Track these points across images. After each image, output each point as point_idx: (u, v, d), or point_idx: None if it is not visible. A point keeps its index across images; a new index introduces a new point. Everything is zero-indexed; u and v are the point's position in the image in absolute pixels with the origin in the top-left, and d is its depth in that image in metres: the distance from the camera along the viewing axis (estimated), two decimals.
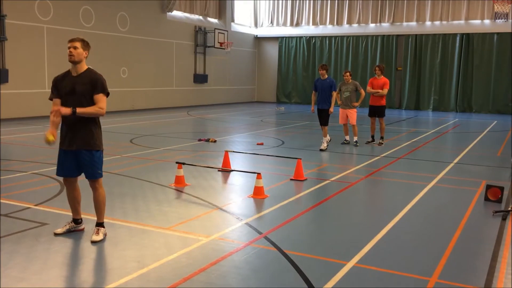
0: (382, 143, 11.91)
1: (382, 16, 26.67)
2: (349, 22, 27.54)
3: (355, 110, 11.69)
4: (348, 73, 11.67)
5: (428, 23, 25.71)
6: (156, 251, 4.59)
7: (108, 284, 3.83)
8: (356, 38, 27.23)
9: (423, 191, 7.27)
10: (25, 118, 16.20)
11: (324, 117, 11.02)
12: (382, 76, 12.02)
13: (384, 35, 26.55)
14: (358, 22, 27.27)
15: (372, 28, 26.96)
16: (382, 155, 10.51)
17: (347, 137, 11.97)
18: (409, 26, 26.10)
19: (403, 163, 9.78)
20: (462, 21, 24.81)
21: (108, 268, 4.21)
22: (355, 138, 11.65)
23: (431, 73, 25.62)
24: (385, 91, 11.89)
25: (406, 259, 4.58)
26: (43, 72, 17.03)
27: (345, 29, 27.61)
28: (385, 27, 26.64)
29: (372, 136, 12.28)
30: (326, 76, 10.99)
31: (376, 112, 12.05)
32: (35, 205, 6.00)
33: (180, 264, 4.29)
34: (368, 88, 12.06)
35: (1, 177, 7.68)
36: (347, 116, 11.75)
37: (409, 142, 12.87)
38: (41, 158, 9.19)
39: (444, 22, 25.32)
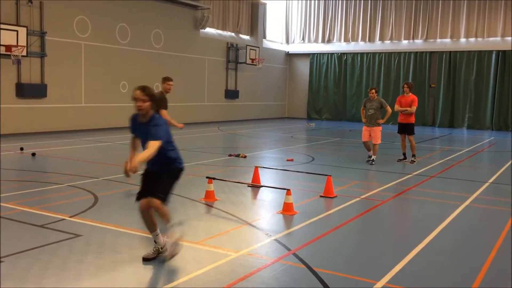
0: (414, 161, 11.72)
1: (415, 33, 26.43)
2: (382, 38, 27.40)
3: (379, 128, 11.45)
4: (373, 90, 11.40)
5: (462, 39, 25.32)
6: (184, 265, 4.65)
7: None
8: (389, 54, 27.04)
9: (457, 211, 7.11)
10: (62, 132, 16.69)
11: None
12: (411, 94, 11.80)
13: (417, 52, 26.27)
14: (391, 39, 27.09)
15: (405, 44, 26.74)
16: (414, 173, 10.35)
17: (371, 152, 11.61)
18: (443, 43, 25.75)
19: (436, 182, 9.60)
20: (498, 38, 24.33)
21: (139, 281, 4.28)
22: (373, 157, 11.38)
23: (465, 90, 25.15)
24: (414, 108, 11.69)
25: (437, 280, 4.49)
26: (80, 88, 17.55)
27: (377, 45, 27.47)
28: (418, 44, 26.37)
29: (404, 154, 12.10)
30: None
31: (405, 129, 11.88)
32: (70, 217, 6.16)
33: (209, 279, 4.32)
34: (396, 106, 11.90)
35: (39, 189, 7.93)
36: (369, 134, 11.49)
37: (443, 160, 12.63)
38: (76, 171, 9.44)
39: (479, 39, 24.88)
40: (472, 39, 25.09)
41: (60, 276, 4.28)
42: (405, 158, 12.02)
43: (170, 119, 8.84)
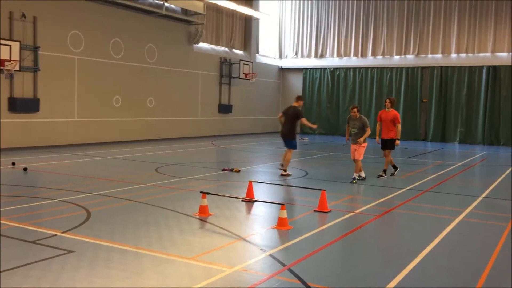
0: (383, 176, 11.65)
1: (407, 48, 26.70)
2: (374, 54, 27.65)
3: (364, 145, 11.11)
4: (355, 109, 11.12)
5: (453, 55, 25.61)
6: (179, 281, 4.60)
7: None
8: (381, 70, 27.27)
9: (450, 226, 7.11)
10: (54, 146, 16.59)
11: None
12: (392, 109, 11.79)
13: (409, 67, 26.52)
14: (383, 54, 27.35)
15: (396, 60, 26.99)
16: (407, 188, 10.37)
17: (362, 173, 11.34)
18: (435, 58, 26.03)
19: (429, 196, 9.62)
20: (489, 54, 24.63)
21: None
22: (355, 174, 11.00)
23: (457, 105, 25.37)
24: (399, 126, 11.70)
25: None
26: (72, 102, 17.50)
27: (369, 60, 27.71)
28: (410, 59, 26.63)
29: (384, 170, 11.95)
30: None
31: (386, 145, 11.83)
32: (62, 232, 6.09)
33: None
34: (378, 125, 12.04)
35: (30, 204, 7.85)
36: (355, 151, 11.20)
37: (435, 175, 12.67)
38: (68, 186, 9.36)
39: (470, 55, 25.18)
40: (463, 55, 25.38)
41: None
42: (394, 172, 12.03)
43: (307, 123, 12.65)
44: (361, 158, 11.12)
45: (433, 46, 26.01)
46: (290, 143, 12.01)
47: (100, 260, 5.11)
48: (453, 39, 25.44)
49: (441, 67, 25.70)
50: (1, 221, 6.53)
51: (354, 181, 10.83)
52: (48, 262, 4.98)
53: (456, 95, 25.34)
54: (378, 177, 11.59)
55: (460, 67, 25.25)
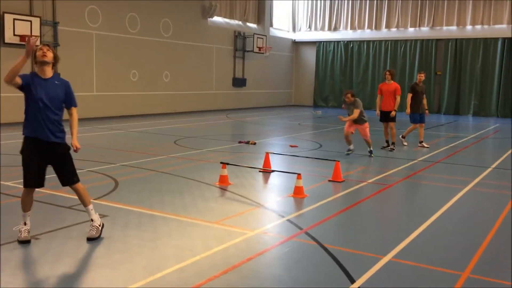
0: (393, 149, 11.78)
1: (421, 20, 26.54)
2: (388, 26, 27.52)
3: (365, 124, 10.79)
4: (349, 94, 10.62)
5: (468, 27, 25.42)
6: (206, 242, 5.03)
7: (165, 269, 4.28)
8: (395, 42, 27.19)
9: (460, 194, 7.46)
10: None
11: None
12: (393, 82, 11.89)
13: (423, 40, 26.41)
14: (397, 27, 27.22)
15: (411, 32, 26.86)
16: (420, 159, 10.68)
17: (351, 146, 11.07)
18: (449, 30, 25.86)
19: (441, 167, 9.93)
20: (504, 25, 24.41)
21: (164, 255, 4.66)
22: (370, 149, 10.91)
23: (471, 77, 25.31)
24: (398, 98, 11.79)
25: (440, 255, 4.86)
26: (91, 76, 17.92)
27: (383, 33, 27.61)
28: (425, 31, 26.49)
29: (387, 141, 12.12)
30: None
31: (387, 117, 11.87)
32: (94, 199, 6.55)
33: (229, 254, 4.71)
34: (378, 99, 12.19)
35: None
36: (352, 128, 10.96)
37: (448, 146, 12.94)
38: (94, 157, 9.85)
39: (486, 26, 24.98)
40: (478, 27, 25.18)
41: (93, 250, 4.68)
42: (388, 145, 12.01)
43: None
44: (369, 136, 10.89)
45: (448, 18, 25.82)
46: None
47: (132, 223, 5.57)
48: (468, 10, 25.22)
49: (456, 39, 25.56)
50: (39, 190, 7.01)
51: (372, 155, 10.79)
52: (85, 225, 5.44)
53: (471, 67, 25.27)
54: (390, 150, 11.81)
55: (475, 39, 25.10)
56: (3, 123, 15.12)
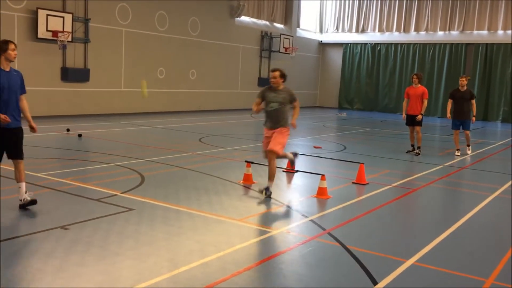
0: (419, 153, 11.61)
1: (451, 24, 26.15)
2: (417, 29, 27.20)
3: (286, 131, 7.46)
4: (277, 73, 7.40)
5: (500, 32, 24.94)
6: (230, 238, 5.11)
7: (190, 263, 4.37)
8: (423, 46, 26.86)
9: (486, 201, 7.36)
10: (103, 115, 17.43)
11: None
12: (420, 85, 11.63)
13: (453, 43, 26.02)
14: (426, 30, 26.88)
15: (440, 36, 26.50)
16: (445, 164, 10.57)
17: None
18: (480, 35, 25.42)
19: (467, 173, 9.81)
20: None
21: (189, 249, 4.76)
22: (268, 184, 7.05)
23: (501, 83, 24.82)
24: (425, 102, 11.57)
25: (464, 261, 4.83)
26: (120, 73, 18.24)
27: (412, 36, 27.30)
28: (454, 35, 26.10)
29: (412, 145, 11.99)
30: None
31: (413, 121, 11.64)
32: (122, 193, 6.71)
33: (253, 251, 4.78)
34: (404, 102, 11.95)
35: (90, 167, 8.55)
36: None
37: (475, 153, 12.75)
38: (121, 152, 10.04)
39: None
40: (509, 31, 24.68)
41: (121, 242, 4.80)
42: (413, 149, 11.91)
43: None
44: (281, 152, 7.13)
45: (479, 22, 25.38)
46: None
47: (158, 218, 5.68)
48: (500, 15, 24.74)
49: (487, 44, 25.10)
50: (68, 182, 7.22)
51: (265, 195, 6.83)
52: (113, 217, 5.59)
53: (501, 73, 24.79)
54: (416, 154, 11.71)
55: (506, 44, 24.60)
56: None
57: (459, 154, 11.95)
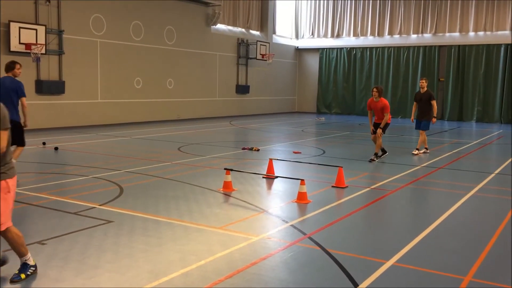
0: (374, 160, 11.11)
1: (424, 27, 26.64)
2: (391, 33, 27.64)
3: None
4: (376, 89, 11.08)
5: (471, 33, 25.50)
6: (211, 247, 5.08)
7: (170, 274, 4.34)
8: (398, 49, 27.29)
9: (463, 199, 7.49)
10: (80, 127, 17.21)
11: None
12: (381, 98, 11.04)
13: (426, 46, 26.50)
14: (400, 33, 27.32)
15: (413, 39, 26.96)
16: (422, 165, 10.72)
17: None
18: (452, 37, 25.95)
19: (444, 173, 9.96)
20: (507, 31, 24.48)
21: (169, 260, 4.72)
22: None
23: (474, 84, 25.36)
24: (386, 117, 11.09)
25: (442, 259, 4.89)
26: (96, 84, 18.06)
27: (386, 40, 27.71)
28: (427, 38, 26.58)
29: (376, 154, 11.40)
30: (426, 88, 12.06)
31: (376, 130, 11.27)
32: (100, 205, 6.63)
33: (234, 259, 4.76)
34: (369, 114, 11.50)
35: (67, 180, 8.42)
36: None
37: (451, 152, 12.97)
38: (99, 164, 9.92)
39: (488, 33, 25.06)
40: (481, 33, 25.26)
41: (100, 255, 4.74)
42: (383, 153, 11.53)
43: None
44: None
45: (450, 24, 25.92)
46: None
47: (137, 229, 5.62)
48: (471, 17, 25.31)
49: (459, 45, 25.64)
50: (45, 196, 7.10)
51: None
52: (91, 230, 5.51)
53: (474, 74, 25.32)
54: (371, 160, 11.09)
55: (478, 46, 25.17)
56: None
57: (417, 153, 12.22)
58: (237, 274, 4.36)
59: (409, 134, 17.71)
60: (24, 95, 8.11)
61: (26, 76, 15.73)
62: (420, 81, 12.52)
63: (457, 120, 25.69)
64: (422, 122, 12.39)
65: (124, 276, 4.27)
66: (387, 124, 11.32)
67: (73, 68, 17.16)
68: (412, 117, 12.68)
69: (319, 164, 10.09)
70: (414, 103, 12.71)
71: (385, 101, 11.15)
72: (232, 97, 25.21)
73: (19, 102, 8.14)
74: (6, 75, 8.13)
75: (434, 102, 12.33)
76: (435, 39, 26.33)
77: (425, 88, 12.41)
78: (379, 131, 11.16)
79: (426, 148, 12.58)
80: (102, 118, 18.36)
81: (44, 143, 12.59)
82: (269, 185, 8.36)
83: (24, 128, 8.20)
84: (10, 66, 8.07)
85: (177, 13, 21.31)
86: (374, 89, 11.12)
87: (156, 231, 5.58)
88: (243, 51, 25.47)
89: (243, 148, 12.69)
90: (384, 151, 11.72)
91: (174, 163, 10.25)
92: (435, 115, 12.38)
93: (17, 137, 7.77)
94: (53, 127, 16.52)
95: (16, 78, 8.14)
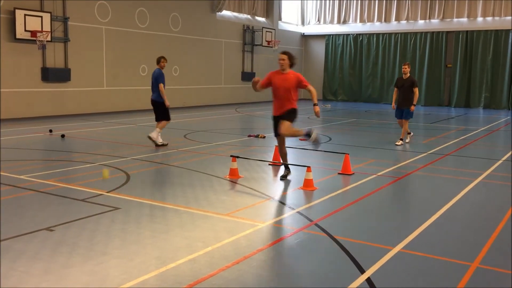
0: (400, 144, 11.29)
1: (431, 13, 26.35)
2: (398, 19, 27.37)
3: None
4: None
5: (479, 19, 25.20)
6: (217, 233, 5.10)
7: (178, 260, 4.36)
8: (405, 35, 27.03)
9: (470, 186, 7.46)
10: (86, 114, 17.25)
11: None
12: (290, 70, 9.30)
13: (433, 32, 26.23)
14: (407, 19, 27.05)
15: (421, 24, 26.69)
16: (429, 152, 10.67)
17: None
18: (460, 22, 25.66)
19: (451, 160, 9.92)
20: None
21: (176, 246, 4.74)
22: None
23: (482, 70, 25.12)
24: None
25: (449, 246, 4.89)
26: (101, 71, 18.05)
27: (393, 26, 27.46)
28: (435, 24, 26.31)
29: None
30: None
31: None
32: (107, 192, 6.66)
33: (240, 245, 4.78)
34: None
35: (74, 167, 8.46)
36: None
37: (457, 139, 12.90)
38: (105, 151, 9.96)
39: (497, 18, 24.75)
40: (489, 18, 24.96)
41: (107, 241, 4.77)
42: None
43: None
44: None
45: (458, 9, 25.62)
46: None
47: (144, 216, 5.65)
48: (479, 2, 24.99)
49: (467, 31, 25.37)
50: (52, 183, 7.15)
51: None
52: (99, 216, 5.54)
53: (482, 60, 25.08)
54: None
55: (486, 31, 24.88)
56: (5, 118, 15.32)
57: (401, 143, 11.53)
58: (244, 261, 4.38)
59: (416, 121, 17.61)
60: (160, 82, 11.49)
61: (31, 64, 15.77)
62: (403, 66, 11.72)
63: (464, 106, 25.51)
64: (404, 110, 11.61)
65: (132, 262, 4.30)
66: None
67: (79, 55, 17.15)
68: (393, 104, 12.18)
69: (325, 151, 10.07)
70: (395, 89, 11.87)
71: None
72: (238, 84, 25.14)
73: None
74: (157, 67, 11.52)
75: (416, 90, 11.52)
76: (443, 25, 26.05)
77: (408, 74, 11.65)
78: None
79: (409, 133, 12.06)
80: (108, 105, 18.37)
81: (50, 131, 12.64)
82: (275, 172, 8.36)
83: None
84: (158, 60, 11.75)
85: None
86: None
87: (163, 218, 5.61)
88: (249, 38, 25.32)
89: (249, 135, 12.67)
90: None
91: (180, 151, 10.27)
92: (415, 103, 11.54)
93: (162, 113, 11.16)
94: (59, 115, 16.57)
95: (161, 70, 11.55)
